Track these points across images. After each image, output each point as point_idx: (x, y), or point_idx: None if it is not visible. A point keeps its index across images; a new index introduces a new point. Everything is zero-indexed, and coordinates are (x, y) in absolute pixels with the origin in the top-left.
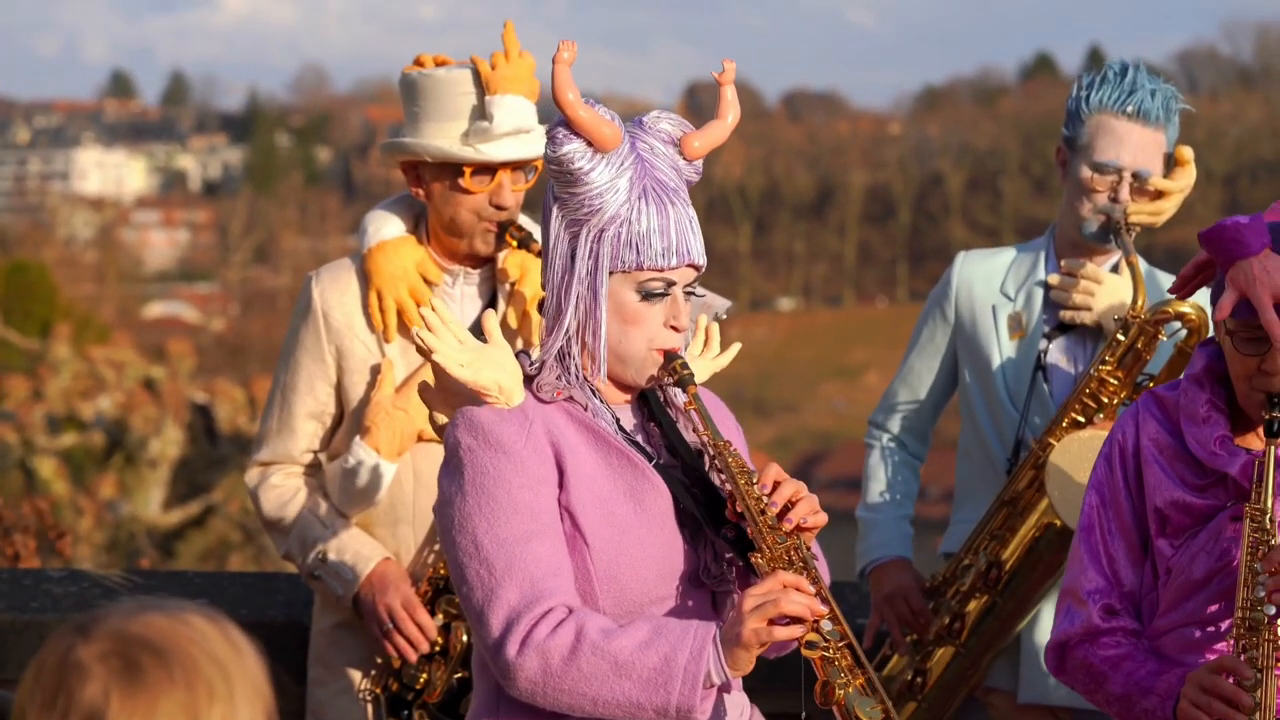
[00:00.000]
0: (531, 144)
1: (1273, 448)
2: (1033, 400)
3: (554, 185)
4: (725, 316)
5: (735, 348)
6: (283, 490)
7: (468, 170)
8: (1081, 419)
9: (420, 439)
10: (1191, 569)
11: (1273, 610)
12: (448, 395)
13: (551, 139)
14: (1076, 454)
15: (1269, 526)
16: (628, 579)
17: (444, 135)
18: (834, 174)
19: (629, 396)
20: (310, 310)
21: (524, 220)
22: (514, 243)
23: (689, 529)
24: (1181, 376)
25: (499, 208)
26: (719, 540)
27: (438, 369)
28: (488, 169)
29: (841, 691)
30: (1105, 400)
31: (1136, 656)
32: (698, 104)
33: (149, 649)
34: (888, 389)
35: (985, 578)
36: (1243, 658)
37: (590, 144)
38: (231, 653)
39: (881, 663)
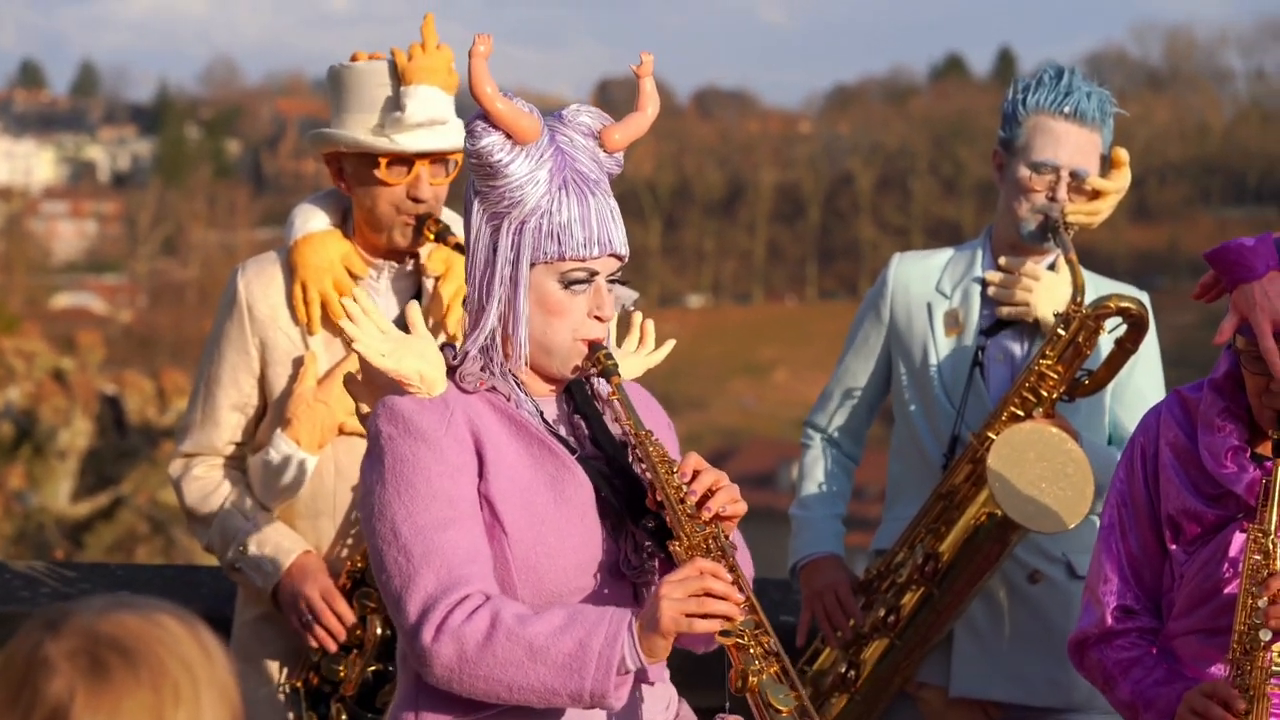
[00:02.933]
0: (447, 136)
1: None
2: (969, 397)
3: (474, 179)
4: (632, 308)
5: (669, 344)
6: (205, 482)
7: (383, 161)
8: (1021, 413)
9: (341, 431)
10: (1201, 578)
11: (1269, 636)
12: (372, 386)
13: (470, 133)
14: (1018, 447)
15: (1270, 549)
16: (546, 569)
17: (362, 126)
18: (744, 172)
19: (554, 389)
20: (235, 302)
21: (449, 214)
22: (431, 236)
23: (610, 521)
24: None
25: (416, 200)
26: (639, 531)
27: (360, 359)
28: (404, 161)
29: (755, 679)
30: (1045, 394)
31: (1146, 662)
32: (610, 99)
33: (117, 649)
34: (824, 389)
35: (922, 570)
36: (1234, 682)
37: (509, 137)
38: (201, 656)
39: (813, 656)
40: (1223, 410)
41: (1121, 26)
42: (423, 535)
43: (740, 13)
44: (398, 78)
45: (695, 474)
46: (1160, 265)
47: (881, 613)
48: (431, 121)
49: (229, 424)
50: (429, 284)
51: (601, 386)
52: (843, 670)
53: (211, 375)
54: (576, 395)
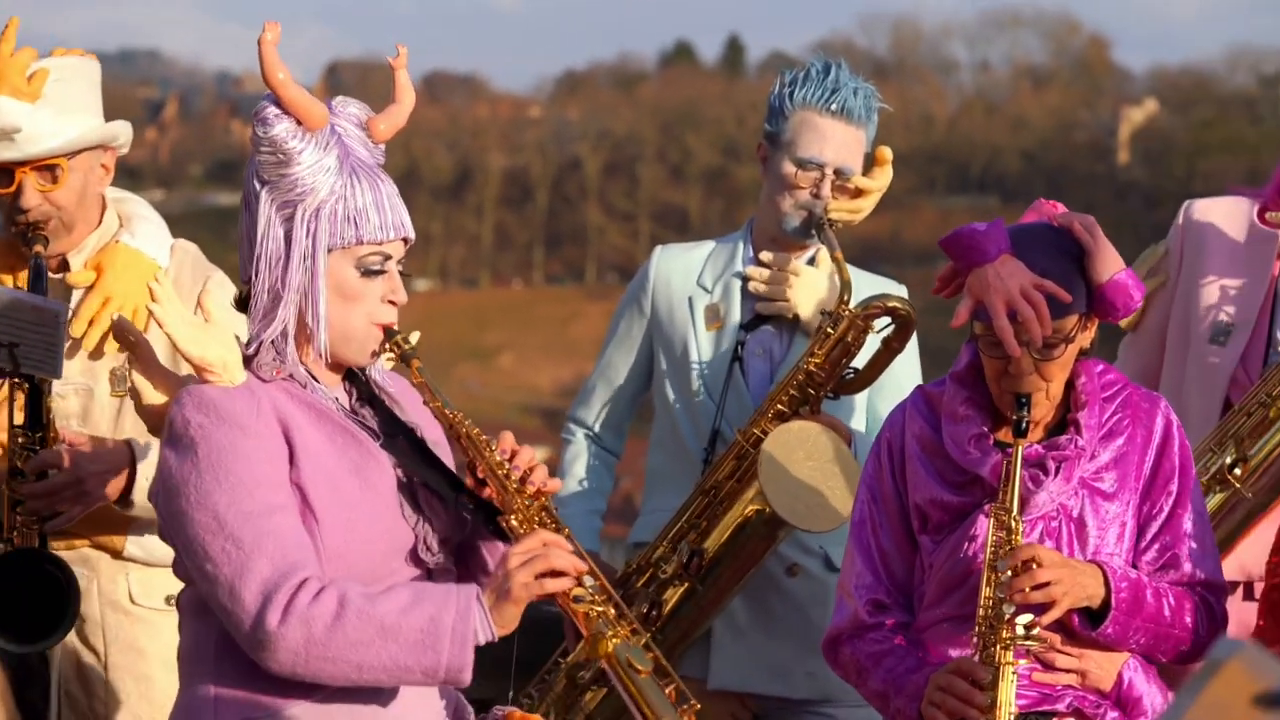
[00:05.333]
0: (25, 144)
1: (1019, 448)
2: (729, 392)
3: (260, 169)
4: None
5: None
6: None
7: None
8: (787, 410)
9: None
10: (949, 565)
11: (1012, 609)
12: (166, 375)
13: (262, 120)
14: (787, 445)
15: (1013, 526)
16: (356, 555)
17: None
18: (473, 156)
19: (339, 377)
20: None
21: (123, 201)
22: (29, 244)
23: (410, 506)
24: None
25: (20, 209)
26: (436, 519)
27: (143, 352)
28: (7, 170)
29: (610, 643)
30: (811, 392)
31: (898, 653)
32: (338, 83)
33: None
34: (585, 383)
35: (686, 566)
36: (979, 656)
37: (299, 123)
38: None
39: (566, 651)
40: (965, 400)
41: (849, 16)
42: (251, 522)
43: None
44: None
45: (513, 452)
46: (884, 254)
47: (644, 608)
48: (3, 131)
49: None
50: (76, 295)
51: (375, 373)
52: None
53: None
54: (357, 384)
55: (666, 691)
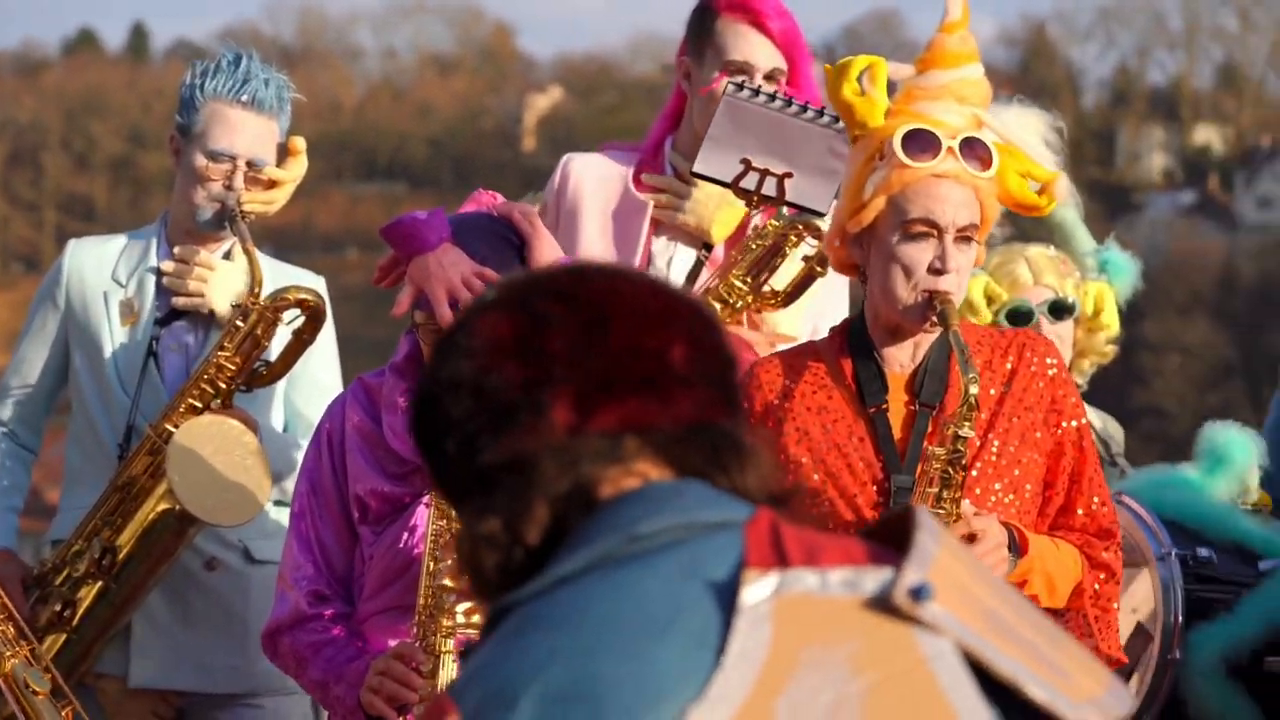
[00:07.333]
0: None
1: None
2: (144, 387)
3: None
4: None
5: None
6: None
7: None
8: (199, 404)
9: None
10: (390, 557)
11: (452, 597)
12: None
13: None
14: (196, 439)
15: (452, 514)
16: None
17: None
18: None
19: None
20: None
21: None
22: None
23: None
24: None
25: None
26: None
27: None
28: None
29: (8, 663)
30: (223, 385)
31: (337, 643)
32: None
33: None
34: (1, 380)
35: (99, 564)
36: (421, 643)
37: None
38: None
39: None
40: (405, 391)
41: (255, 3)
42: None
43: None
44: None
45: None
46: (296, 242)
47: (58, 607)
48: None
49: None
50: None
51: None
52: None
53: None
54: None
55: (64, 713)
